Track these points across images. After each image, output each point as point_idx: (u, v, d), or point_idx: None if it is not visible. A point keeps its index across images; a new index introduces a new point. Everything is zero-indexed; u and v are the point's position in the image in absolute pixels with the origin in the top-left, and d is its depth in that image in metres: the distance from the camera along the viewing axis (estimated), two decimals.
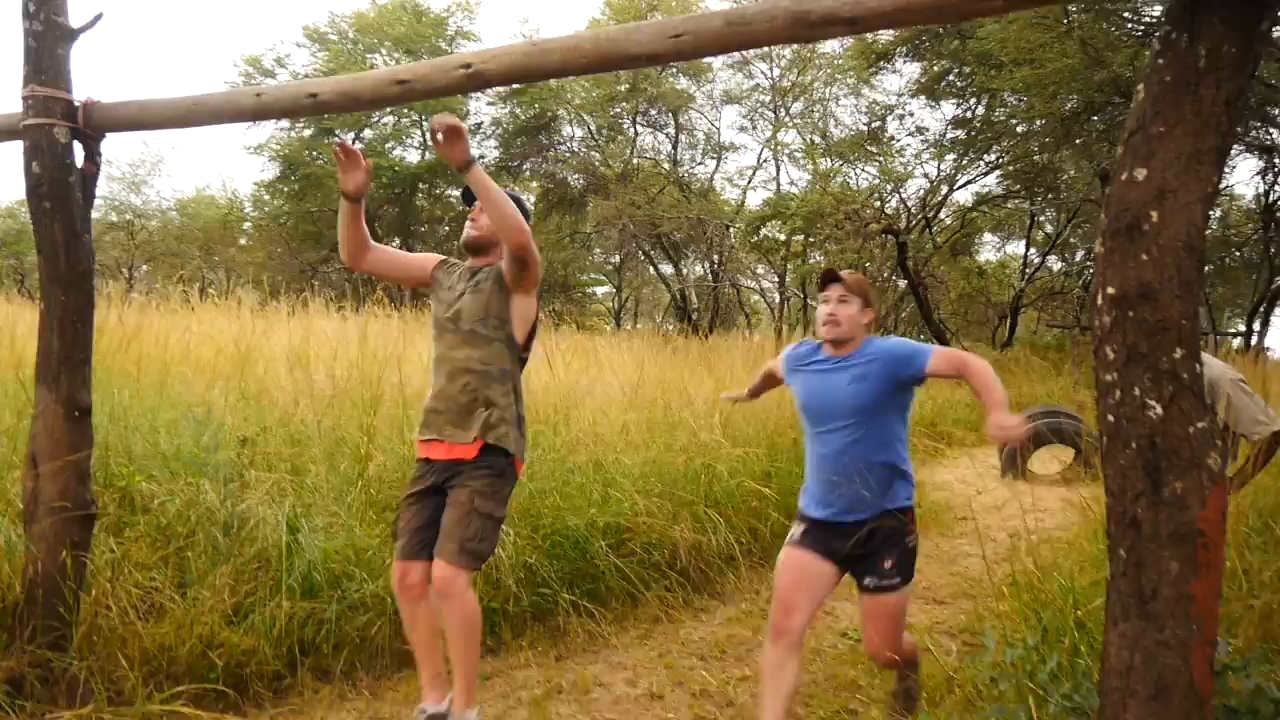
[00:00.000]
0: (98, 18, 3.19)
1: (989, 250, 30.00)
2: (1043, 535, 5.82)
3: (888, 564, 3.15)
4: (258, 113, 3.03)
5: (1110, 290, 1.76)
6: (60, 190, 3.12)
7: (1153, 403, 1.72)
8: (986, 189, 21.25)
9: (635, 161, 27.54)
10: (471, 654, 3.29)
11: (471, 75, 2.61)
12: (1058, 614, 3.34)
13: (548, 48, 2.52)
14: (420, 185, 27.78)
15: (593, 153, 28.10)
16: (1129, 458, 1.76)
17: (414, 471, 3.49)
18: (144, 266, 34.12)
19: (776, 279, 24.80)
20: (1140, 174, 1.77)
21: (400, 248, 3.77)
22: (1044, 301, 24.19)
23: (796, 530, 3.29)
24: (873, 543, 3.16)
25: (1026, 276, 24.40)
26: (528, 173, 28.91)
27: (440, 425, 3.37)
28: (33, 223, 3.17)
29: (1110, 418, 1.78)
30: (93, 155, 3.26)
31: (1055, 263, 26.44)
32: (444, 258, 3.60)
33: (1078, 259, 25.24)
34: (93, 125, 3.17)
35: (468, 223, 3.48)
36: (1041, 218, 24.48)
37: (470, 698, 3.33)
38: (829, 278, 3.31)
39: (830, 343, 3.30)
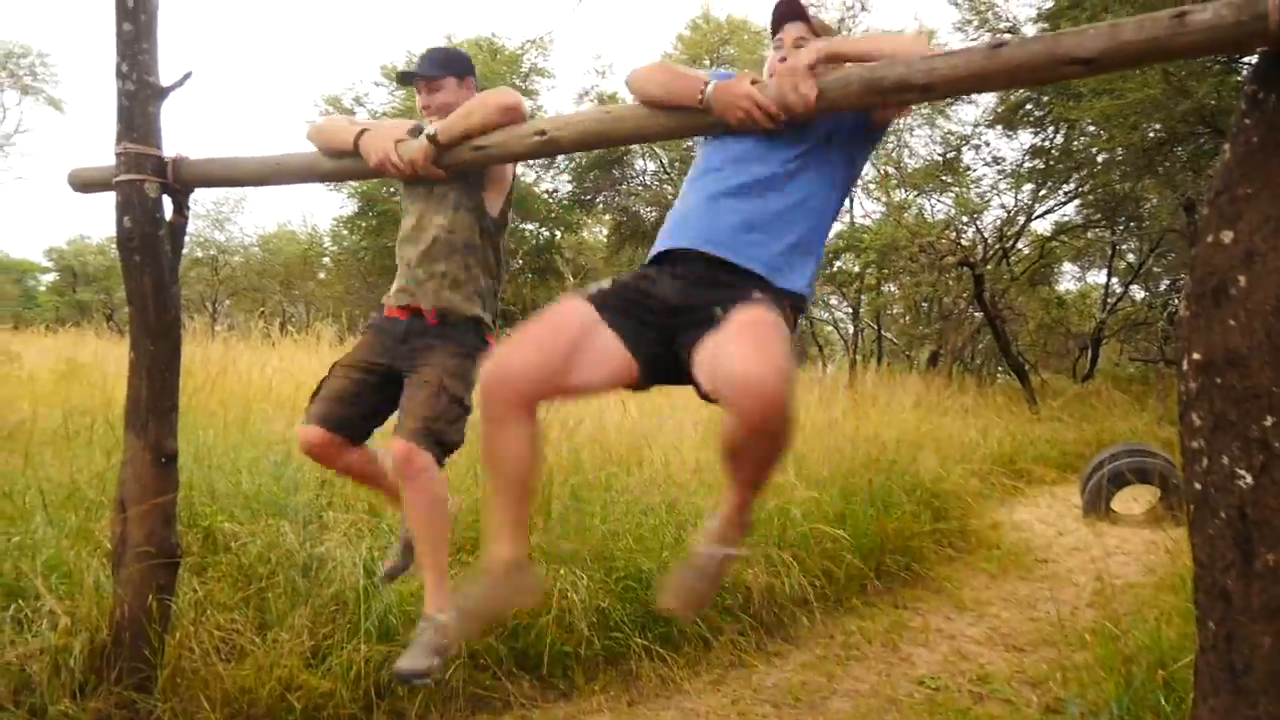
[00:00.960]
0: (187, 76, 3.29)
1: (1069, 280, 29.52)
2: (1126, 581, 5.69)
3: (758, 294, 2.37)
4: (339, 174, 3.11)
5: (1196, 356, 1.72)
6: (150, 243, 3.22)
7: (1243, 472, 1.68)
8: (1066, 218, 20.91)
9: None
10: (440, 546, 3.03)
11: (546, 142, 2.65)
12: (1142, 670, 3.25)
13: (621, 115, 2.55)
14: None
15: (665, 186, 28.22)
16: (1218, 527, 1.71)
17: (372, 324, 3.36)
18: (227, 301, 34.99)
19: (850, 310, 24.63)
20: (1227, 236, 1.73)
21: None
22: (1127, 333, 23.66)
23: None
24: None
25: (1108, 307, 23.91)
26: (600, 206, 29.11)
27: (408, 284, 3.24)
28: (123, 274, 3.28)
29: (1197, 485, 1.73)
30: (181, 208, 3.36)
31: (1138, 292, 25.90)
32: (417, 123, 3.22)
33: (1161, 289, 24.67)
34: (181, 180, 3.27)
35: (420, 107, 3.39)
36: (1123, 247, 24.01)
37: (443, 599, 2.98)
38: (783, 15, 2.71)
39: None
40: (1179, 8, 1.73)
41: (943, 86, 2.08)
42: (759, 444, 2.05)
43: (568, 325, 2.41)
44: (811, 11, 2.67)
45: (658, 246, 2.67)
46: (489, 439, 2.32)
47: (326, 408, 3.22)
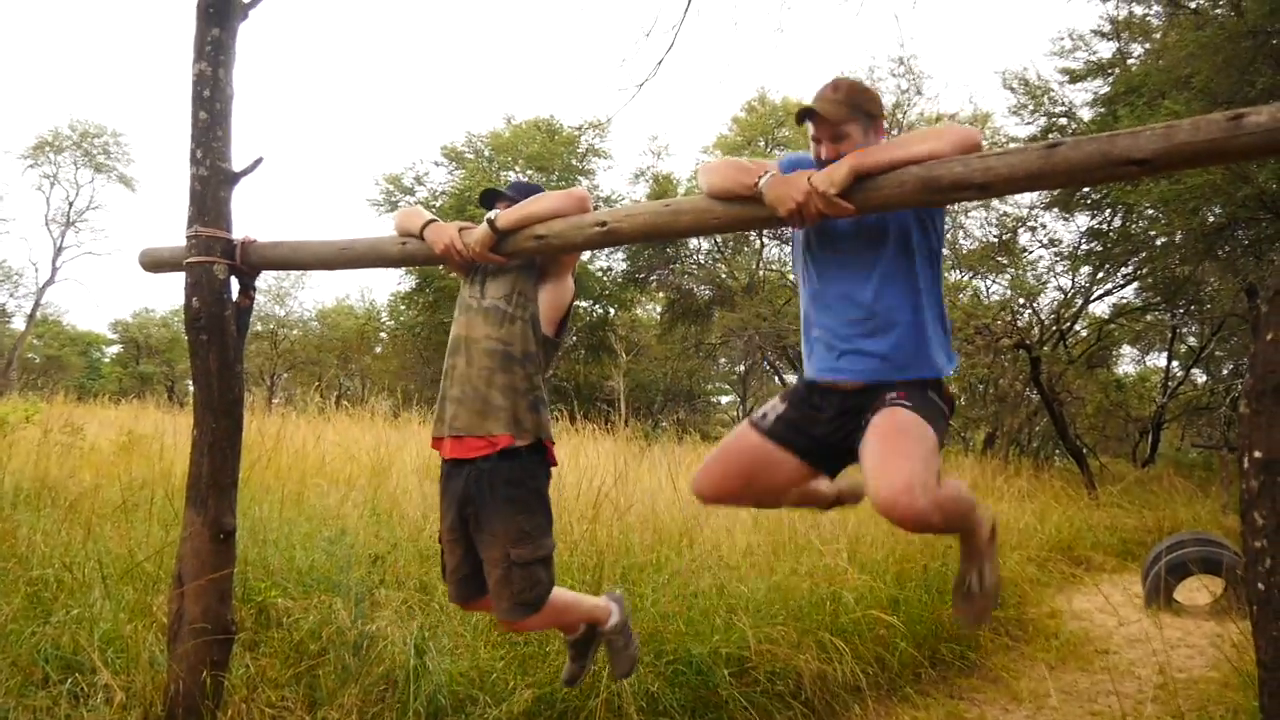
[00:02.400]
0: (258, 162, 3.40)
1: (1128, 363, 29.12)
2: (1190, 675, 5.53)
3: (892, 395, 2.63)
4: (401, 260, 3.19)
5: (1257, 454, 1.71)
6: (216, 323, 3.31)
7: None
8: (1124, 300, 20.67)
9: (761, 273, 27.74)
10: (577, 612, 3.34)
11: (606, 233, 2.71)
12: None
13: (680, 208, 2.61)
14: None
15: (719, 265, 28.41)
16: None
17: (440, 478, 3.32)
18: (284, 374, 35.52)
19: None
20: None
21: None
22: (1188, 417, 23.21)
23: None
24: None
25: (1169, 391, 23.51)
26: (654, 284, 29.33)
27: (454, 417, 3.14)
28: (190, 353, 3.37)
29: (1261, 586, 1.70)
30: (247, 290, 3.45)
31: (1200, 376, 25.45)
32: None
33: (1224, 373, 24.22)
34: (249, 263, 3.37)
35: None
36: (1184, 330, 23.65)
37: (604, 609, 3.43)
38: (804, 117, 2.75)
39: None
40: (1235, 110, 1.74)
41: (999, 185, 2.10)
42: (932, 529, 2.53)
43: (744, 457, 2.92)
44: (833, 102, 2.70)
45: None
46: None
47: (456, 588, 3.29)
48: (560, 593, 3.18)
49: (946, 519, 2.48)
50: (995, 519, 2.86)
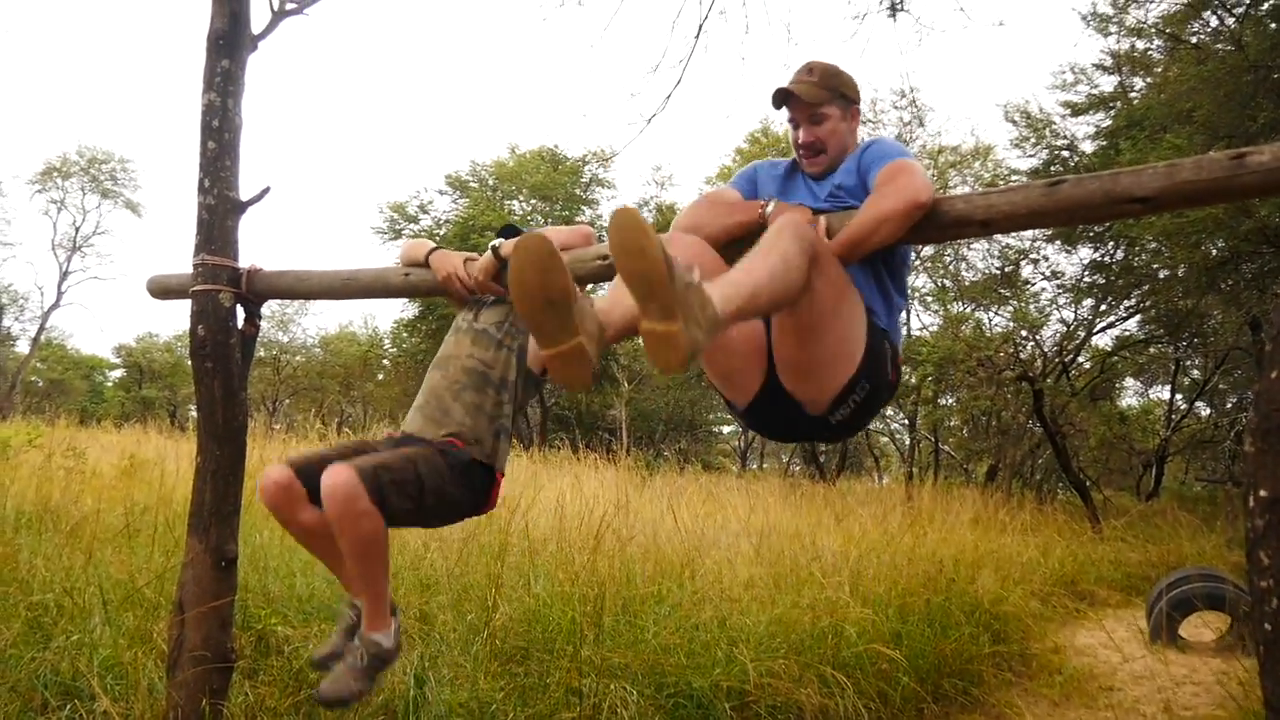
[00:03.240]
0: (265, 191, 3.42)
1: (1131, 396, 29.07)
2: (1196, 713, 5.50)
3: None
4: (405, 291, 3.20)
5: (1263, 493, 1.70)
6: (221, 351, 3.32)
7: None
8: (1127, 333, 20.68)
9: None
10: (376, 574, 2.80)
11: (610, 265, 2.72)
12: None
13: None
14: None
15: None
16: None
17: None
18: (286, 400, 35.53)
19: (906, 422, 24.43)
20: None
21: None
22: (1192, 451, 23.15)
23: None
24: None
25: (1173, 424, 23.47)
26: None
27: (415, 425, 3.05)
28: (194, 380, 3.37)
29: (1268, 626, 1.69)
30: (252, 318, 3.46)
31: (1204, 409, 25.40)
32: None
33: (1228, 406, 24.18)
34: (255, 291, 3.39)
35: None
36: (1187, 363, 23.64)
37: (382, 619, 2.87)
38: (782, 99, 2.71)
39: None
40: (1238, 150, 1.75)
41: (1001, 223, 2.12)
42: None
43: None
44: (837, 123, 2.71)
45: None
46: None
47: (302, 457, 2.92)
48: (381, 552, 2.78)
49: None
50: None
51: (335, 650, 2.97)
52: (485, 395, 3.05)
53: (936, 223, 2.20)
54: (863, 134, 2.79)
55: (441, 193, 29.83)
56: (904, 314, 2.73)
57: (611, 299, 2.14)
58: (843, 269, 2.35)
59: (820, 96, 2.67)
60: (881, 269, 2.65)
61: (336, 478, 2.56)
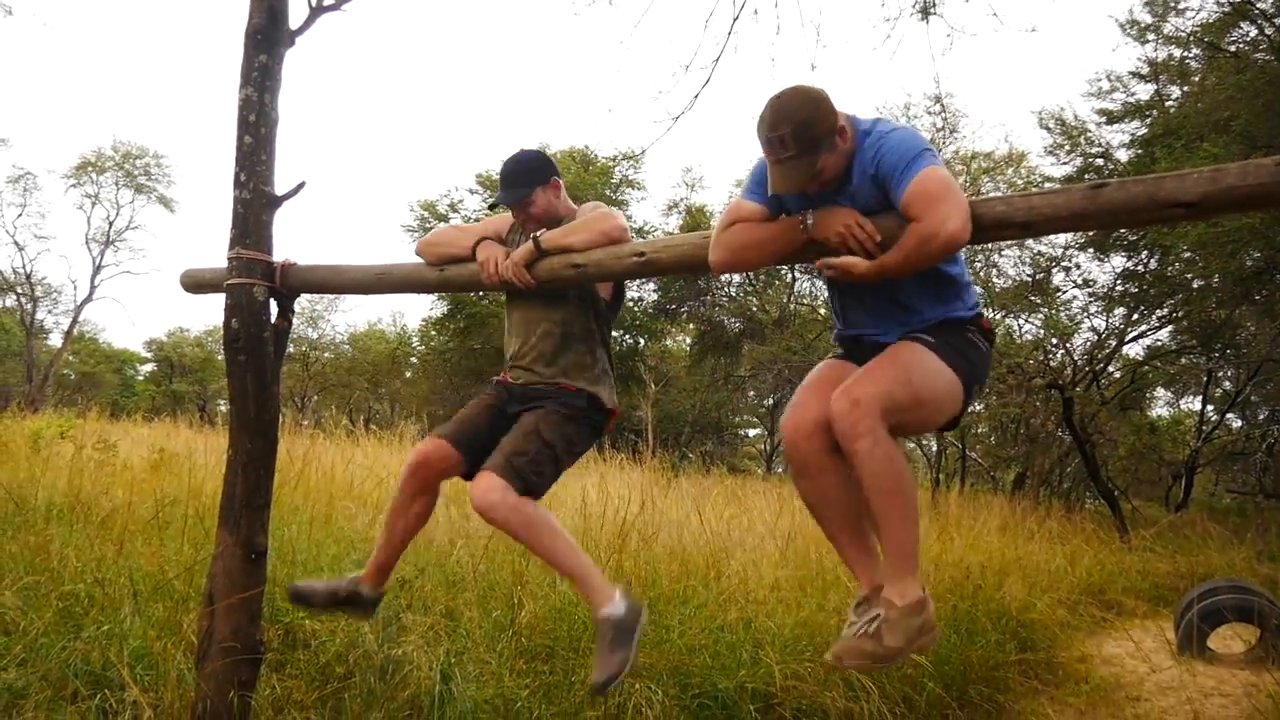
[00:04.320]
0: (300, 186, 3.43)
1: (1161, 406, 28.77)
2: None
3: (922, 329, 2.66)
4: (439, 285, 3.22)
5: None
6: (255, 345, 3.34)
7: None
8: (1159, 343, 20.47)
9: (792, 307, 27.70)
10: (565, 553, 3.06)
11: (644, 263, 2.72)
12: None
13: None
14: None
15: (750, 297, 28.40)
16: None
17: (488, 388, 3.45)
18: (315, 396, 35.73)
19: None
20: None
21: None
22: (1223, 462, 22.88)
23: None
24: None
25: (1203, 435, 23.22)
26: (685, 315, 29.34)
27: (521, 370, 3.34)
28: (228, 373, 3.39)
29: None
30: (286, 312, 3.48)
31: (1235, 421, 25.10)
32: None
33: (1260, 418, 23.90)
34: (288, 286, 3.40)
35: (520, 225, 3.38)
36: (1220, 374, 23.37)
37: (603, 593, 3.03)
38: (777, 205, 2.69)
39: None
40: None
41: (1042, 225, 2.10)
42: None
43: (833, 376, 2.70)
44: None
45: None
46: (803, 494, 2.67)
47: (456, 426, 3.28)
48: (561, 529, 3.10)
49: (870, 460, 2.39)
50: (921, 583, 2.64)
51: (312, 591, 3.35)
52: (573, 351, 3.29)
53: (976, 224, 2.18)
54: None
55: (472, 191, 29.91)
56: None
57: None
58: (900, 376, 2.49)
59: (803, 170, 2.49)
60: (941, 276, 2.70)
61: (482, 489, 2.91)
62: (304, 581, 3.34)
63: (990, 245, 19.56)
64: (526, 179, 3.33)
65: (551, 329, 3.28)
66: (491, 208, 3.52)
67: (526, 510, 2.96)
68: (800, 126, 2.46)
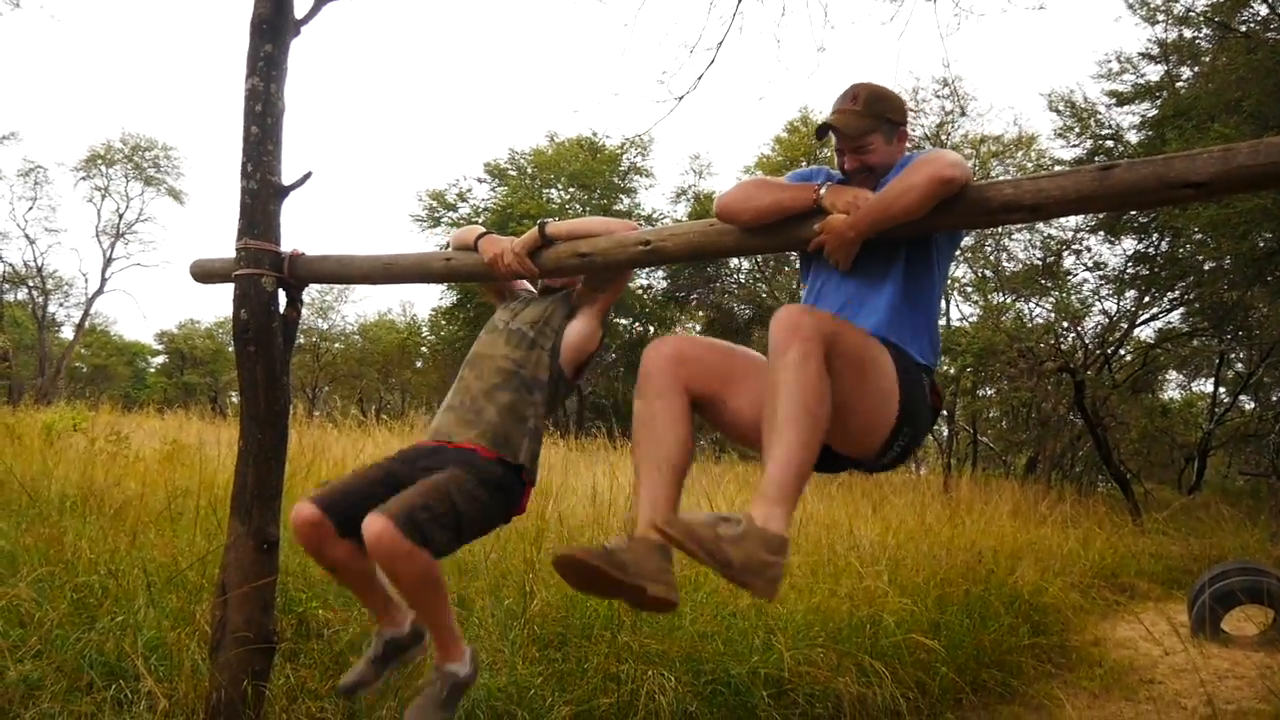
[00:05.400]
0: (307, 176, 3.44)
1: (1173, 388, 28.70)
2: (1239, 707, 5.43)
3: None
4: (446, 276, 3.21)
5: None
6: (264, 335, 3.34)
7: None
8: (1170, 325, 20.40)
9: (801, 293, 27.65)
10: (439, 606, 2.80)
11: (650, 251, 2.71)
12: None
13: (724, 229, 2.61)
14: None
15: (759, 284, 28.37)
16: None
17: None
18: (325, 387, 35.83)
19: (944, 413, 24.27)
20: None
21: None
22: (1235, 445, 22.81)
23: None
24: None
25: (1215, 417, 23.14)
26: (694, 303, 29.34)
27: (445, 426, 3.06)
28: (237, 364, 3.40)
29: None
30: (295, 302, 3.48)
31: (1248, 403, 25.02)
32: (534, 292, 3.41)
33: (1273, 400, 23.81)
34: (297, 276, 3.41)
35: None
36: (1232, 356, 23.29)
37: (455, 647, 2.88)
38: (822, 133, 2.73)
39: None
40: None
41: (1051, 208, 2.08)
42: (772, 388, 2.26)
43: (745, 356, 2.62)
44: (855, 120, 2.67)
45: None
46: (643, 414, 2.42)
47: (327, 490, 2.93)
48: (440, 589, 2.80)
49: (800, 370, 2.20)
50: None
51: (362, 679, 3.04)
52: (518, 395, 3.06)
53: (984, 208, 2.16)
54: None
55: (480, 180, 29.96)
56: (943, 303, 2.67)
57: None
58: (856, 334, 2.38)
59: (863, 126, 2.64)
60: (918, 295, 2.64)
61: (375, 529, 2.58)
62: (344, 679, 3.06)
63: (1000, 229, 19.53)
64: None
65: (508, 368, 3.09)
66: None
67: (426, 565, 2.67)
68: (875, 96, 2.67)
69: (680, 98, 7.26)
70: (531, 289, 3.44)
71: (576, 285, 3.27)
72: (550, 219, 3.10)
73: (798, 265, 2.99)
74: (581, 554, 2.12)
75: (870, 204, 2.41)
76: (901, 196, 2.33)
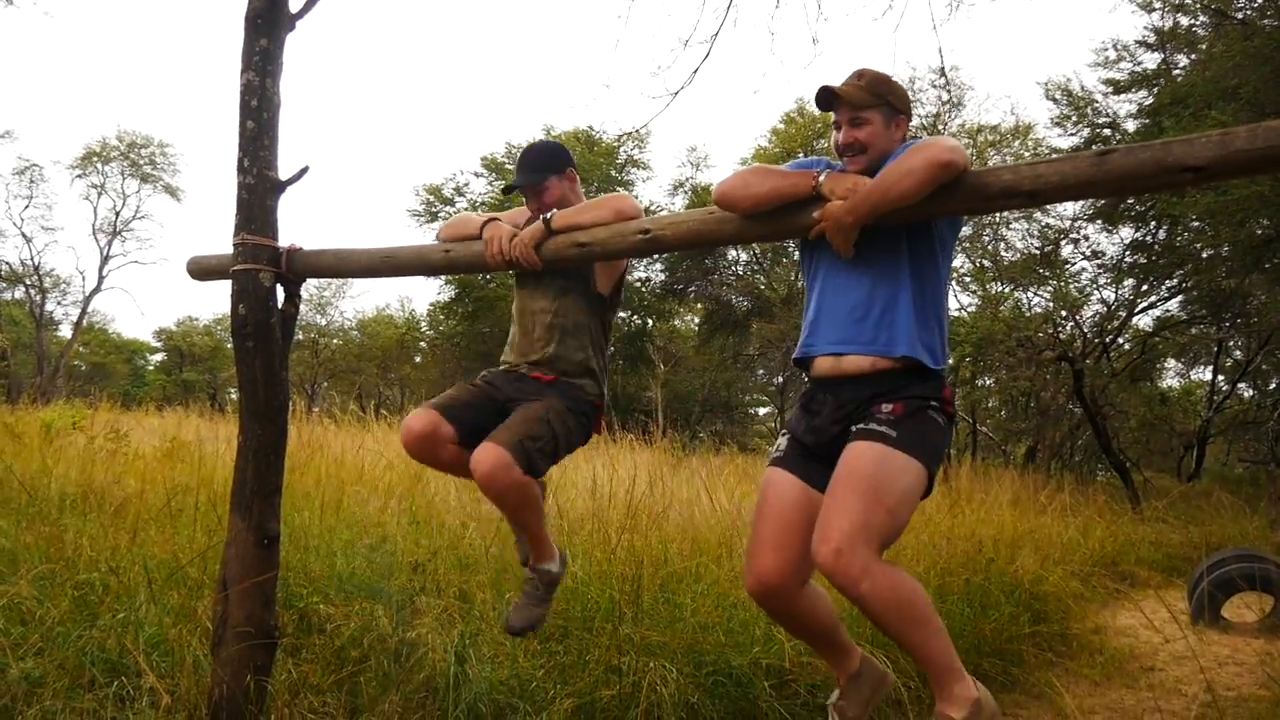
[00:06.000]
0: (304, 171, 3.42)
1: (1172, 377, 28.70)
2: (1240, 693, 5.44)
3: (886, 409, 2.59)
4: (445, 268, 3.20)
5: None
6: (262, 331, 3.33)
7: None
8: (1169, 314, 20.40)
9: (800, 284, 27.64)
10: (536, 522, 3.27)
11: (649, 240, 2.71)
12: None
13: (724, 217, 2.60)
14: None
15: (757, 276, 28.35)
16: None
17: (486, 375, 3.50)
18: (324, 383, 35.82)
19: None
20: None
21: None
22: (1234, 432, 22.83)
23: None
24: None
25: (1214, 405, 23.16)
26: (692, 295, 29.31)
27: (515, 361, 3.41)
28: (236, 360, 3.39)
29: None
30: (293, 297, 3.48)
31: (1246, 390, 25.03)
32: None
33: (1271, 387, 23.82)
34: (294, 271, 3.40)
35: (530, 211, 3.47)
36: (1230, 343, 23.30)
37: (547, 550, 3.37)
38: (825, 100, 2.74)
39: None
40: None
41: (1049, 193, 2.07)
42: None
43: (790, 516, 2.73)
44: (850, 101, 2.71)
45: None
46: (789, 630, 2.91)
47: (446, 400, 3.31)
48: (536, 494, 3.20)
49: (876, 598, 2.37)
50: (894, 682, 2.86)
51: (535, 620, 3.49)
52: (565, 344, 3.36)
53: (983, 193, 2.16)
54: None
55: (477, 174, 29.92)
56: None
57: None
58: (908, 485, 2.54)
59: (864, 100, 2.68)
60: (929, 292, 2.67)
61: (490, 460, 2.93)
62: (513, 621, 3.47)
63: (998, 218, 19.52)
64: (544, 165, 3.42)
65: (551, 321, 3.36)
66: (506, 191, 3.58)
67: (529, 489, 3.08)
68: (880, 79, 2.74)
69: (675, 93, 7.24)
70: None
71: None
72: (555, 211, 3.11)
73: (797, 257, 3.00)
74: None
75: (868, 188, 2.42)
76: (901, 180, 2.33)
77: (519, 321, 3.46)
